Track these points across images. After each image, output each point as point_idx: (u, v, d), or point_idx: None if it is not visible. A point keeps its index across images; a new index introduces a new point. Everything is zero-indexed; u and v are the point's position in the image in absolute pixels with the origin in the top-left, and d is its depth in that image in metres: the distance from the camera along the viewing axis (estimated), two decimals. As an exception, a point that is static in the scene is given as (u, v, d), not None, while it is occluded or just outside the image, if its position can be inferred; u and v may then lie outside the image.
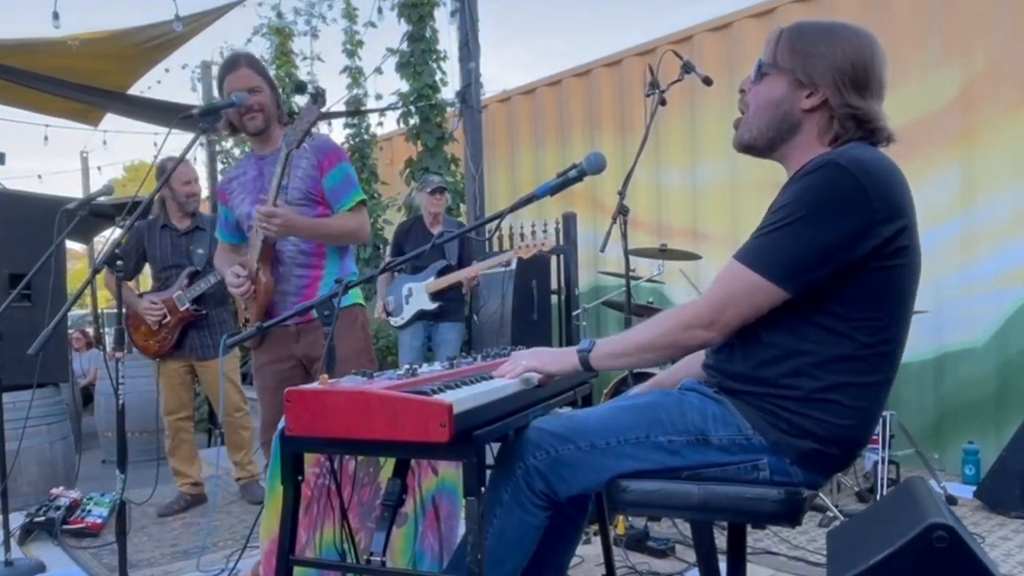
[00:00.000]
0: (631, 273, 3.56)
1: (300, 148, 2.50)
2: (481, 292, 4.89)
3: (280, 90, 2.75)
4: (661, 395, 1.68)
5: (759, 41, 4.79)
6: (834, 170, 1.42)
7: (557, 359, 1.66)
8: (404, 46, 5.59)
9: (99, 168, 16.50)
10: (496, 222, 1.88)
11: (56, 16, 4.62)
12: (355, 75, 6.86)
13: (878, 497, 3.35)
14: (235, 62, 2.69)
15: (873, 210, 1.41)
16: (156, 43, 5.56)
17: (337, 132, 10.63)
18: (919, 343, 4.13)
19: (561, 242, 5.12)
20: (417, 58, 5.57)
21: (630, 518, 3.09)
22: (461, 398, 1.41)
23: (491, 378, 1.66)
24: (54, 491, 3.70)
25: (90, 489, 3.85)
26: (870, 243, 1.42)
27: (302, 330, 2.68)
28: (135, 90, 6.14)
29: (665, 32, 5.37)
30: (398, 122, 6.21)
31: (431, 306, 4.51)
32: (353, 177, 2.74)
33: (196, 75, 7.51)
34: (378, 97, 6.65)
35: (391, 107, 5.92)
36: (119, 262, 2.55)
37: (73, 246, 10.38)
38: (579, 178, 1.78)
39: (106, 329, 9.65)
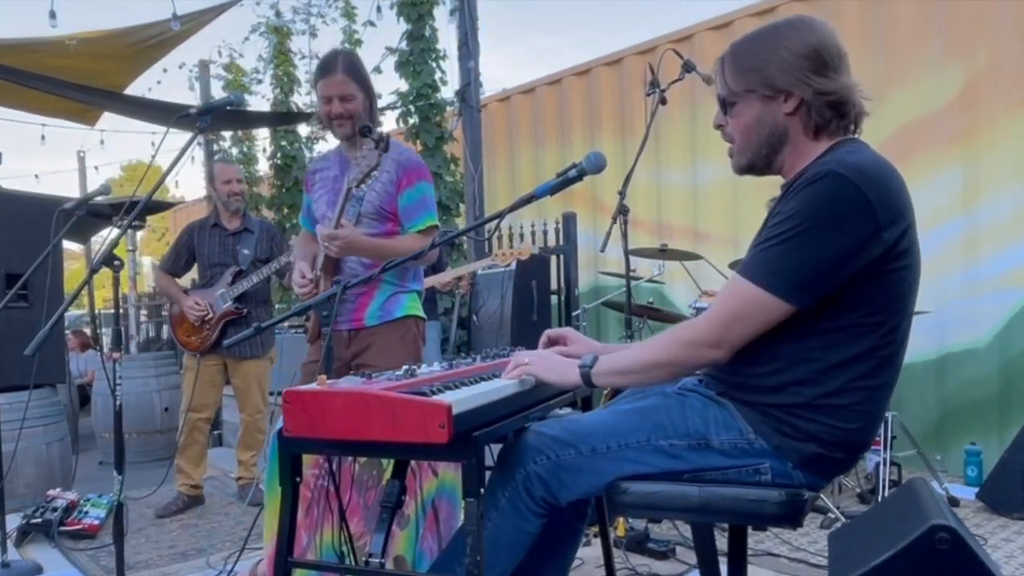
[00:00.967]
0: (631, 273, 3.55)
1: (372, 177, 2.49)
2: (481, 292, 4.88)
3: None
4: (663, 398, 1.66)
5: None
6: (835, 180, 1.41)
7: (558, 370, 1.64)
8: (403, 45, 5.57)
9: (96, 168, 16.48)
10: (495, 222, 1.87)
11: (53, 15, 4.60)
12: (354, 74, 6.80)
13: (880, 499, 3.34)
14: (331, 66, 2.61)
15: (877, 217, 1.40)
16: (153, 42, 5.55)
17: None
18: (921, 344, 4.12)
19: (561, 242, 5.10)
20: (416, 57, 5.55)
21: (630, 520, 3.07)
22: (460, 399, 1.40)
23: (490, 379, 1.65)
24: (51, 492, 3.69)
25: (87, 490, 3.84)
26: (876, 250, 1.42)
27: (353, 336, 2.69)
28: (133, 90, 6.13)
29: (666, 31, 5.35)
30: (397, 121, 6.19)
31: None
32: (430, 199, 2.70)
33: (194, 74, 7.49)
34: (377, 96, 6.60)
35: (390, 106, 5.90)
36: (116, 262, 2.54)
37: (70, 246, 10.34)
38: (579, 178, 1.77)
39: (103, 330, 9.62)
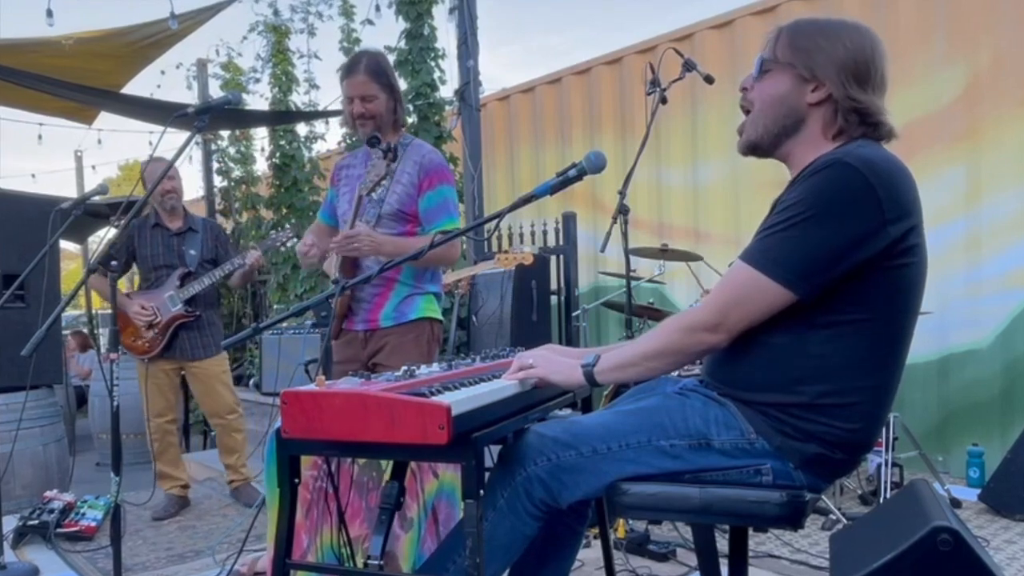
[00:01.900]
0: (632, 273, 3.53)
1: (382, 186, 2.53)
2: (480, 293, 4.86)
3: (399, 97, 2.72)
4: (663, 398, 1.65)
5: (761, 39, 4.75)
6: (843, 169, 1.40)
7: (562, 371, 1.63)
8: (402, 44, 5.54)
9: (93, 167, 16.43)
10: (495, 222, 1.86)
11: (50, 14, 4.58)
12: (353, 73, 6.78)
13: (881, 500, 3.33)
14: (355, 66, 2.63)
15: (883, 210, 1.39)
16: (151, 41, 5.53)
17: (335, 131, 10.63)
18: (923, 344, 4.11)
19: (561, 242, 5.08)
20: (415, 56, 5.53)
21: (631, 521, 3.06)
22: (460, 399, 1.39)
23: (490, 379, 1.64)
24: (48, 494, 3.67)
25: (84, 492, 3.82)
26: (880, 243, 1.40)
27: (369, 336, 2.71)
28: (130, 89, 6.11)
29: (666, 30, 5.34)
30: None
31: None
32: (451, 202, 2.70)
33: (192, 73, 7.48)
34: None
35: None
36: (113, 262, 2.53)
37: (67, 246, 10.31)
38: (579, 177, 1.76)
39: (100, 330, 9.61)
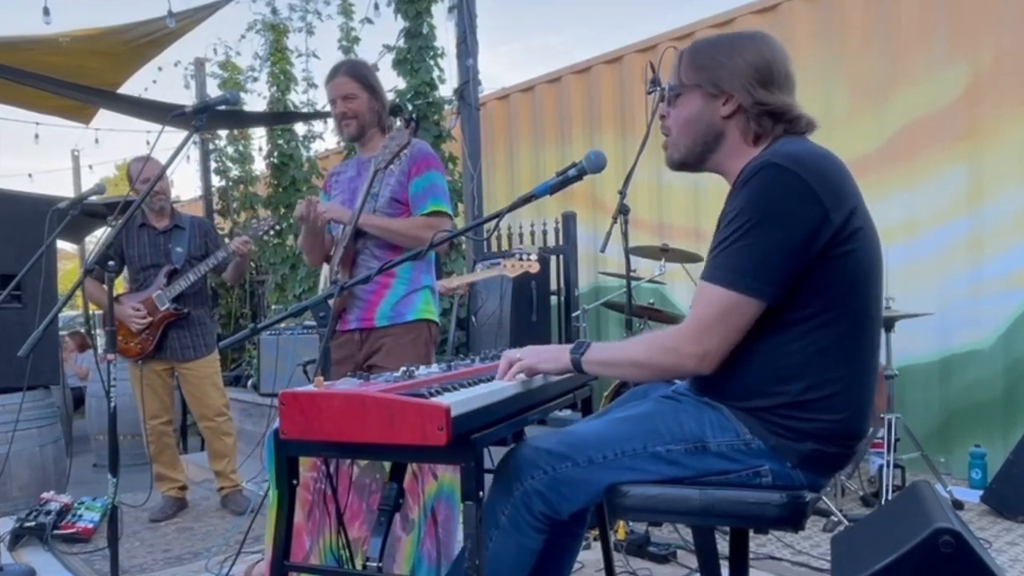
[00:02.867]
0: (632, 274, 3.52)
1: (400, 157, 2.54)
2: (479, 293, 4.85)
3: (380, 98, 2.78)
4: (656, 404, 1.66)
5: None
6: (773, 170, 1.44)
7: (551, 357, 1.65)
8: (401, 42, 5.52)
9: (91, 167, 16.46)
10: (494, 222, 1.86)
11: (47, 12, 4.57)
12: (352, 72, 6.76)
13: (883, 501, 3.31)
14: (335, 70, 2.75)
15: (821, 200, 1.43)
16: (148, 40, 5.51)
17: (333, 130, 10.59)
18: (925, 345, 4.10)
19: (560, 242, 5.07)
20: (414, 55, 5.51)
21: (631, 523, 3.04)
22: (459, 400, 1.39)
23: (489, 380, 1.63)
24: (45, 495, 3.65)
25: (81, 493, 3.80)
26: (826, 232, 1.44)
27: (364, 336, 2.71)
28: (128, 88, 6.10)
29: (667, 28, 5.33)
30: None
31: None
32: (438, 186, 2.73)
33: (189, 72, 7.46)
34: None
35: (392, 103, 5.87)
36: (111, 263, 2.51)
37: (64, 246, 10.30)
38: (579, 177, 1.77)
39: (97, 331, 9.59)
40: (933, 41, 4.13)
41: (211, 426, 4.04)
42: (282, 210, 7.06)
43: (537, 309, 4.67)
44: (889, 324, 3.53)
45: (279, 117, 7.06)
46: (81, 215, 3.05)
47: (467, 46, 5.20)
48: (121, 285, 4.06)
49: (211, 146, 7.81)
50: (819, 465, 1.52)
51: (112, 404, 2.42)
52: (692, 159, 1.65)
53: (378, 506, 1.63)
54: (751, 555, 2.08)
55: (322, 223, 2.68)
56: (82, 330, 9.43)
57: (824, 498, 3.24)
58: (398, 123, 2.54)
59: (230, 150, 7.90)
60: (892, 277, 3.64)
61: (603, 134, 5.76)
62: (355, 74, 2.72)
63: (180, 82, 7.49)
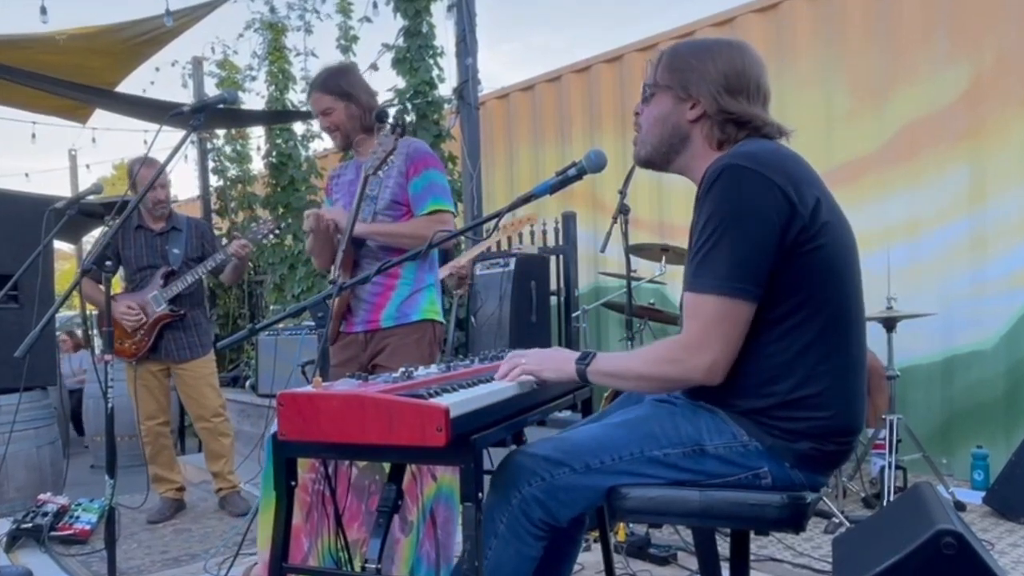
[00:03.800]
0: (632, 274, 3.51)
1: (388, 163, 2.51)
2: (479, 293, 4.83)
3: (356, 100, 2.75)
4: (652, 408, 1.66)
5: (762, 37, 4.77)
6: (734, 171, 1.46)
7: (556, 366, 1.63)
8: (400, 41, 5.51)
9: (88, 166, 16.43)
10: (494, 221, 1.86)
11: (44, 11, 4.55)
12: (351, 71, 6.74)
13: (885, 503, 3.30)
14: (311, 86, 2.78)
15: (787, 194, 1.44)
16: (146, 38, 5.49)
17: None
18: (927, 345, 4.09)
19: (560, 242, 5.06)
20: (413, 54, 5.50)
21: (631, 524, 3.03)
22: (458, 401, 1.37)
23: (489, 381, 1.62)
24: (42, 497, 3.64)
25: (78, 495, 3.78)
26: (796, 224, 1.45)
27: (369, 337, 2.70)
28: (125, 87, 6.07)
29: (667, 27, 5.32)
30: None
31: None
32: (437, 184, 2.71)
33: (187, 71, 7.44)
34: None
35: (387, 104, 5.85)
36: (108, 263, 2.49)
37: (61, 246, 10.28)
38: (579, 176, 1.76)
39: (94, 331, 9.58)
40: (934, 40, 4.12)
41: (208, 427, 4.03)
42: (280, 210, 7.04)
43: (537, 309, 4.66)
44: (891, 324, 3.52)
45: (277, 116, 7.05)
46: (78, 215, 3.04)
47: (466, 45, 5.18)
48: (119, 285, 4.05)
49: (209, 145, 7.79)
50: (817, 464, 1.52)
51: (109, 405, 2.40)
52: (657, 158, 1.68)
53: (377, 507, 1.62)
54: (752, 557, 2.06)
55: (333, 231, 2.65)
56: (79, 331, 9.41)
57: (825, 499, 3.23)
58: (386, 128, 2.50)
59: (228, 149, 7.88)
60: (894, 277, 3.63)
61: (603, 133, 5.75)
62: (327, 87, 2.70)
63: (178, 81, 7.45)
